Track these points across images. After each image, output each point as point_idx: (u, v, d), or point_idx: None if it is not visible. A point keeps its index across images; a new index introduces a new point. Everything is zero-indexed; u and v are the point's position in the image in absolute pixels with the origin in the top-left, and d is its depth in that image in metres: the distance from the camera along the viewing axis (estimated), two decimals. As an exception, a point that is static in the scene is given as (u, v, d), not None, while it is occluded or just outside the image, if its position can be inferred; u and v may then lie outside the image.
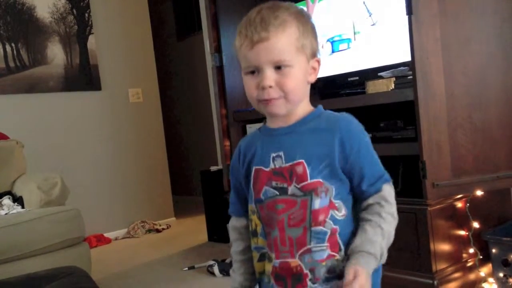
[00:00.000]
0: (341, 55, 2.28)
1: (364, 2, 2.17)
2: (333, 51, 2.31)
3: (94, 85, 3.86)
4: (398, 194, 1.90)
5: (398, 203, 1.99)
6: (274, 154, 0.99)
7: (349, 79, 2.26)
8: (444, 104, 1.76)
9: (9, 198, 2.61)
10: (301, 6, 2.45)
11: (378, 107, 1.97)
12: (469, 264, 1.92)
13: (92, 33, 3.87)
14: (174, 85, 5.37)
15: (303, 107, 1.01)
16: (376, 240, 0.93)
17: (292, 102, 0.97)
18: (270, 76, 0.94)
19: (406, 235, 1.81)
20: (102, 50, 3.92)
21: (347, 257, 0.94)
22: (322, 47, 2.32)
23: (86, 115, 3.84)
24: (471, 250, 1.91)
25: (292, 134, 0.99)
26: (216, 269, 2.61)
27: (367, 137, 0.99)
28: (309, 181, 0.95)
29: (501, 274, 1.87)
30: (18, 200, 2.59)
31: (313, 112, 1.02)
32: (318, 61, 1.02)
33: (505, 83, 1.82)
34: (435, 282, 1.77)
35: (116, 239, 3.84)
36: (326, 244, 0.95)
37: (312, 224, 0.94)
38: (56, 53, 3.72)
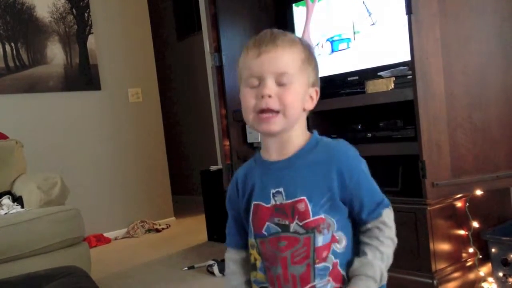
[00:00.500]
0: (340, 54, 2.28)
1: (363, 2, 2.17)
2: (332, 51, 2.31)
3: (94, 85, 3.87)
4: (398, 194, 1.91)
5: (398, 202, 1.99)
6: (274, 190, 0.98)
7: (348, 78, 2.26)
8: (443, 104, 1.76)
9: (9, 198, 2.60)
10: (300, 5, 2.46)
11: (378, 107, 1.97)
12: (469, 263, 1.92)
13: (92, 33, 3.87)
14: (174, 85, 5.37)
15: (299, 135, 1.00)
16: (376, 264, 0.94)
17: (289, 119, 0.96)
18: (271, 86, 0.95)
19: (405, 235, 1.81)
20: (101, 50, 3.92)
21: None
22: (322, 46, 2.32)
23: (86, 115, 3.84)
24: (471, 250, 1.91)
25: (291, 169, 0.98)
26: (216, 269, 2.61)
27: (363, 163, 0.99)
28: (311, 218, 0.94)
29: (500, 274, 1.87)
30: (17, 200, 2.59)
31: (309, 142, 1.00)
32: (317, 92, 1.02)
33: (505, 83, 1.82)
34: (435, 282, 1.77)
35: (115, 239, 3.84)
36: (328, 278, 0.95)
37: (316, 262, 0.94)
38: (55, 52, 3.72)
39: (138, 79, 4.12)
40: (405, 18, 1.73)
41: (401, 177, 1.95)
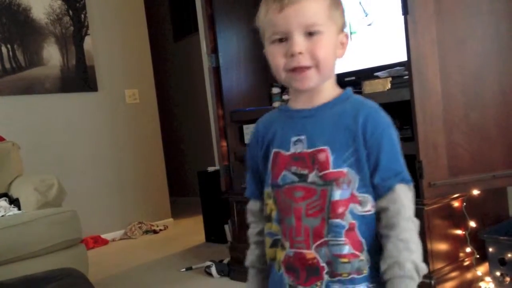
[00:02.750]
0: (337, 55, 2.28)
1: (360, 3, 2.17)
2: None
3: (91, 86, 3.86)
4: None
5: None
6: (295, 138, 0.93)
7: (345, 79, 2.26)
8: (440, 104, 1.76)
9: (6, 200, 2.60)
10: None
11: (375, 107, 1.97)
12: (466, 263, 1.92)
13: (88, 34, 3.86)
14: (171, 85, 5.37)
15: (329, 88, 0.96)
16: (403, 258, 0.86)
17: (323, 73, 0.91)
18: (300, 42, 0.89)
19: (403, 235, 1.81)
20: (98, 51, 3.91)
21: (373, 261, 0.90)
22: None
23: (83, 116, 3.83)
24: (468, 249, 1.91)
25: (316, 117, 0.93)
26: (213, 270, 2.60)
27: (393, 129, 0.93)
28: (331, 170, 0.89)
29: (498, 273, 1.87)
30: (14, 202, 2.59)
31: (340, 96, 0.95)
32: (347, 36, 0.96)
33: (501, 83, 1.83)
34: (432, 282, 1.77)
35: (113, 240, 3.83)
36: (343, 238, 0.89)
37: (330, 216, 0.89)
38: (52, 54, 3.71)
39: (135, 80, 4.12)
40: (401, 18, 1.73)
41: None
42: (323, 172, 0.90)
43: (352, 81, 2.22)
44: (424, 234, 1.77)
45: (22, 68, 3.58)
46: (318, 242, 0.90)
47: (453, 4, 1.77)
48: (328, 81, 0.95)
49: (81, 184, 3.71)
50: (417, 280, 0.87)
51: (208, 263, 2.68)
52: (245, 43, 2.54)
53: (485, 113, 1.81)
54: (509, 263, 1.83)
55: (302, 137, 0.92)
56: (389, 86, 1.93)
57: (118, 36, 4.03)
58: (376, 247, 0.91)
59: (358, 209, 0.90)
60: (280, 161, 0.94)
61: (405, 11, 1.71)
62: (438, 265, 1.81)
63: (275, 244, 0.96)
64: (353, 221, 0.89)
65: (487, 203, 2.04)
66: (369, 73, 2.10)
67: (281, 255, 0.94)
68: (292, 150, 0.93)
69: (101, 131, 3.92)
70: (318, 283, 0.90)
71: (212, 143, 3.81)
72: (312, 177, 0.90)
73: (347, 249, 0.89)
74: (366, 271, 0.90)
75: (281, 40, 0.91)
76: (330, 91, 0.96)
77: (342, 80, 2.24)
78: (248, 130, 2.46)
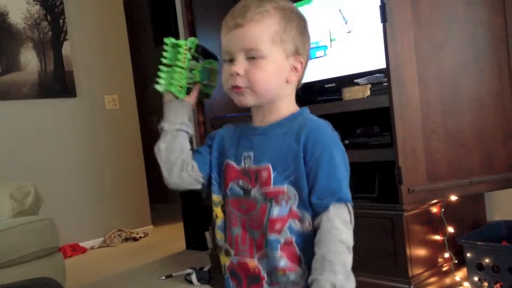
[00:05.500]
0: (317, 62, 2.29)
1: (340, 10, 2.19)
2: (309, 58, 2.32)
3: (69, 92, 3.81)
4: (374, 200, 1.92)
5: (375, 209, 2.00)
6: (245, 154, 0.98)
7: (326, 85, 2.27)
8: (418, 110, 1.78)
9: (-20, 208, 2.54)
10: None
11: (355, 114, 1.99)
12: (445, 268, 1.94)
13: (67, 39, 3.81)
14: (151, 91, 5.33)
15: (284, 108, 0.99)
16: (324, 279, 0.84)
17: (260, 95, 0.95)
18: (240, 63, 0.94)
19: (382, 240, 1.82)
20: (77, 56, 3.86)
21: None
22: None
23: (61, 122, 3.77)
24: (447, 255, 1.93)
25: (266, 136, 0.97)
26: (194, 278, 2.59)
27: (337, 148, 0.93)
28: (271, 187, 0.93)
29: (476, 278, 1.89)
30: (-11, 209, 2.53)
31: (290, 115, 0.99)
32: (301, 62, 0.98)
33: (478, 90, 1.86)
34: (412, 287, 1.78)
35: (92, 248, 3.77)
36: (279, 252, 0.92)
37: (268, 231, 0.93)
38: (29, 59, 3.65)
39: (115, 85, 4.07)
40: (380, 26, 1.75)
41: (378, 183, 1.97)
42: (263, 188, 0.94)
43: (332, 87, 2.24)
44: (403, 240, 1.79)
45: (-2, 73, 3.52)
46: (260, 253, 0.94)
47: (430, 12, 1.80)
48: (282, 101, 0.99)
49: (59, 192, 3.65)
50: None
51: (189, 270, 2.66)
52: (225, 50, 2.54)
53: (462, 120, 1.84)
54: (487, 268, 1.85)
55: (251, 153, 0.98)
56: (368, 93, 1.95)
57: (97, 41, 3.98)
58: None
59: (298, 224, 0.93)
60: (231, 173, 0.99)
61: (384, 18, 1.73)
62: (417, 270, 1.82)
63: (220, 249, 1.02)
64: (291, 237, 0.93)
65: (465, 209, 2.07)
66: (349, 80, 2.11)
67: (226, 260, 1.00)
68: (242, 164, 0.98)
69: (80, 138, 3.87)
70: None
71: (192, 150, 3.79)
72: (254, 192, 0.95)
73: (283, 263, 0.93)
74: (301, 285, 0.93)
75: (230, 61, 0.96)
76: (285, 110, 0.99)
77: (323, 87, 2.28)
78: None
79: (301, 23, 0.98)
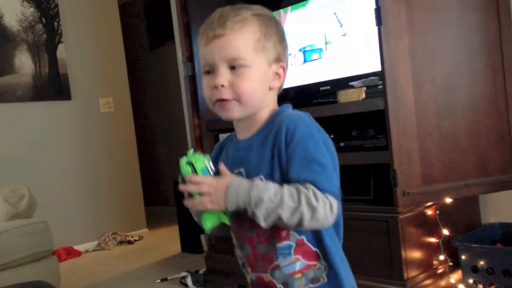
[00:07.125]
0: (312, 64, 2.30)
1: (335, 13, 2.19)
2: (305, 61, 2.33)
3: (64, 95, 3.80)
4: (370, 203, 1.92)
5: (370, 211, 2.00)
6: (236, 171, 0.95)
7: (321, 88, 2.27)
8: (413, 113, 1.79)
9: (-26, 211, 2.53)
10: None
11: (350, 116, 1.99)
12: (440, 271, 1.95)
13: (62, 42, 3.80)
14: (146, 94, 5.32)
15: (265, 116, 0.96)
16: (270, 189, 0.85)
17: (247, 106, 0.92)
18: (223, 75, 0.90)
19: (378, 243, 1.82)
20: (72, 59, 3.85)
21: (333, 264, 0.92)
22: (294, 56, 2.33)
23: (56, 125, 3.76)
24: (442, 257, 1.94)
25: (250, 148, 0.95)
26: (189, 281, 2.57)
27: (311, 140, 0.88)
28: None
29: (470, 281, 1.90)
30: (-17, 213, 2.52)
31: (269, 118, 0.95)
32: (283, 67, 0.96)
33: (471, 93, 1.87)
34: (407, 289, 1.79)
35: (86, 251, 3.75)
36: (293, 256, 0.92)
37: (277, 241, 0.92)
38: (24, 62, 3.64)
39: (110, 88, 4.07)
40: (375, 29, 1.76)
41: (373, 186, 1.97)
42: None
43: (327, 90, 2.24)
44: (398, 242, 1.79)
45: (-8, 75, 3.50)
46: (271, 266, 0.93)
47: (425, 16, 1.81)
48: (263, 110, 0.96)
49: (54, 195, 3.63)
50: (251, 204, 0.85)
51: (184, 273, 2.65)
52: (221, 52, 2.54)
53: (456, 122, 1.85)
54: (482, 271, 1.85)
55: (242, 169, 0.95)
56: (363, 95, 1.96)
57: (92, 44, 3.98)
58: (333, 248, 0.93)
59: None
60: None
61: (379, 22, 1.74)
62: (413, 272, 1.83)
63: (243, 266, 1.01)
64: (301, 237, 0.92)
65: (460, 211, 2.07)
66: (344, 83, 2.12)
67: (247, 277, 1.01)
68: None
69: (75, 140, 3.85)
70: None
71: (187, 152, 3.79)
72: None
73: (298, 265, 0.92)
74: (323, 279, 0.93)
75: (209, 72, 0.93)
76: (265, 116, 0.96)
77: (318, 89, 2.28)
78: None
79: (279, 29, 0.98)
